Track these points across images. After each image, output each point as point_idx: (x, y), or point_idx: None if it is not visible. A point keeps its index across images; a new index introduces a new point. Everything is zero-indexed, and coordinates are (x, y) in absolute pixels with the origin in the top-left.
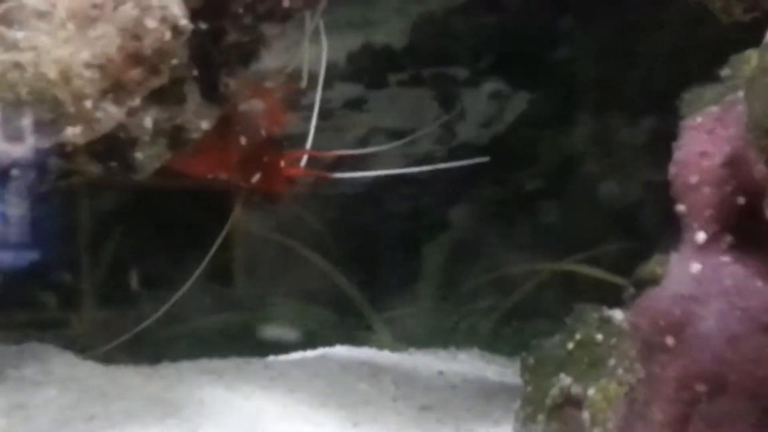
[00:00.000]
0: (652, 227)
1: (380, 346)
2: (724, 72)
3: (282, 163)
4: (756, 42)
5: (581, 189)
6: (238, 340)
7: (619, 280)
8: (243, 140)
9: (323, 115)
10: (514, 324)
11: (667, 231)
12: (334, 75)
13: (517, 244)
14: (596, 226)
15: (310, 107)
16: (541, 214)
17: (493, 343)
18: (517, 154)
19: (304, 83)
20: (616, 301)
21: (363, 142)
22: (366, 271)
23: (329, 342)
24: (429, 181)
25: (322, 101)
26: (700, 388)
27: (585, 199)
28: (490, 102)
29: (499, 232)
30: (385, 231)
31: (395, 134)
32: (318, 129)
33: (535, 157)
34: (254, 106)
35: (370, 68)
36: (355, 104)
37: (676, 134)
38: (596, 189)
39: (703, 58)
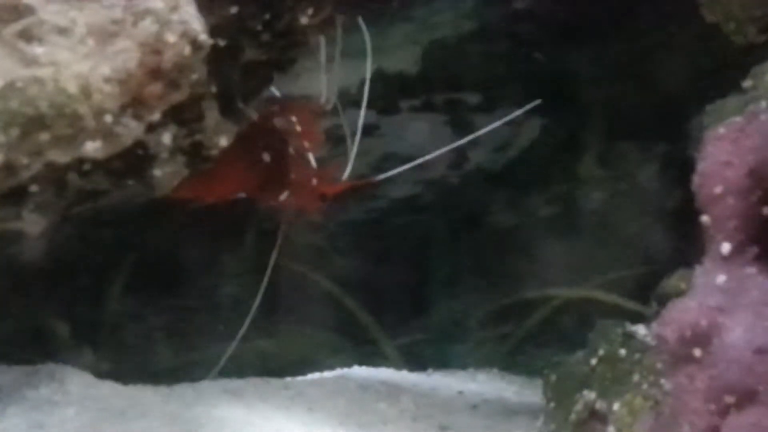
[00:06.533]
0: (668, 252)
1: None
2: (746, 83)
3: (314, 181)
4: None
5: (595, 214)
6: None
7: (635, 305)
8: (268, 157)
9: (336, 142)
10: (529, 350)
11: (686, 251)
12: (346, 101)
13: (531, 270)
14: (611, 251)
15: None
16: (555, 239)
17: (508, 369)
18: (531, 180)
19: (324, 99)
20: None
21: (376, 167)
22: (379, 298)
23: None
24: (442, 207)
25: (334, 128)
26: (729, 399)
27: (600, 224)
28: (503, 127)
29: (512, 257)
30: (397, 258)
31: (408, 160)
32: (332, 156)
33: (548, 183)
34: (282, 123)
35: (382, 95)
36: (368, 130)
37: (689, 158)
38: (611, 214)
39: (717, 81)
